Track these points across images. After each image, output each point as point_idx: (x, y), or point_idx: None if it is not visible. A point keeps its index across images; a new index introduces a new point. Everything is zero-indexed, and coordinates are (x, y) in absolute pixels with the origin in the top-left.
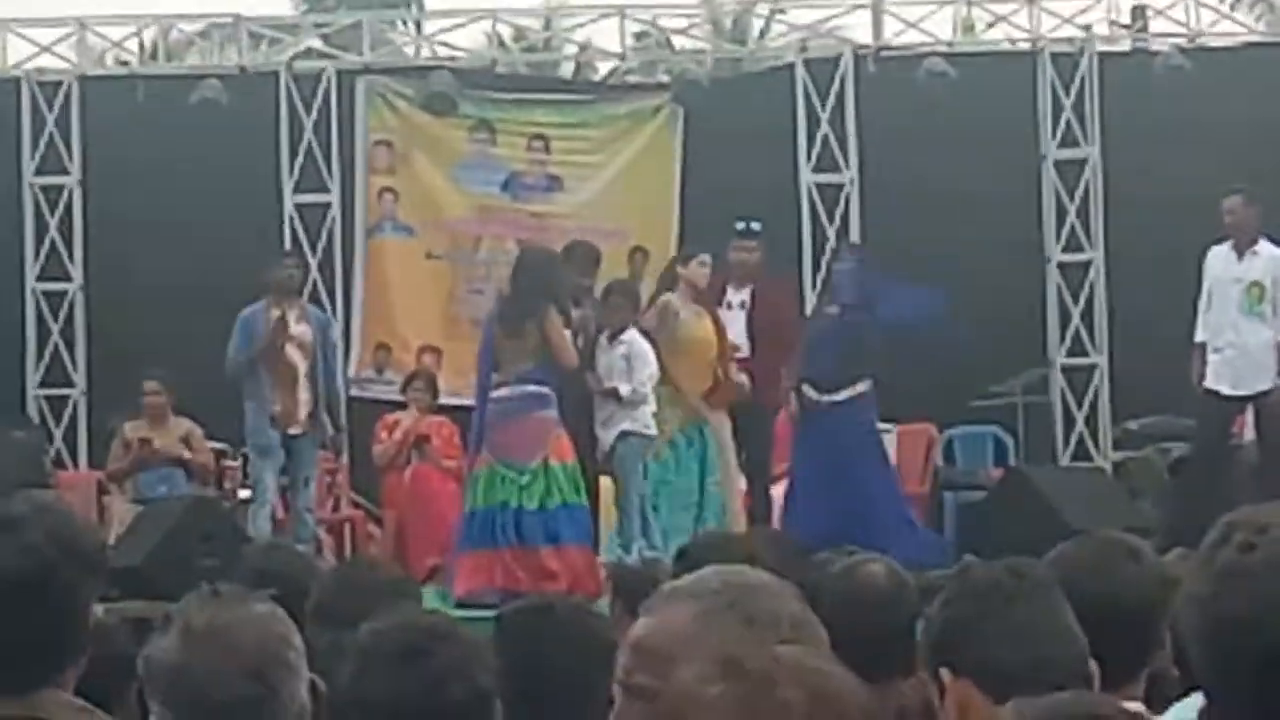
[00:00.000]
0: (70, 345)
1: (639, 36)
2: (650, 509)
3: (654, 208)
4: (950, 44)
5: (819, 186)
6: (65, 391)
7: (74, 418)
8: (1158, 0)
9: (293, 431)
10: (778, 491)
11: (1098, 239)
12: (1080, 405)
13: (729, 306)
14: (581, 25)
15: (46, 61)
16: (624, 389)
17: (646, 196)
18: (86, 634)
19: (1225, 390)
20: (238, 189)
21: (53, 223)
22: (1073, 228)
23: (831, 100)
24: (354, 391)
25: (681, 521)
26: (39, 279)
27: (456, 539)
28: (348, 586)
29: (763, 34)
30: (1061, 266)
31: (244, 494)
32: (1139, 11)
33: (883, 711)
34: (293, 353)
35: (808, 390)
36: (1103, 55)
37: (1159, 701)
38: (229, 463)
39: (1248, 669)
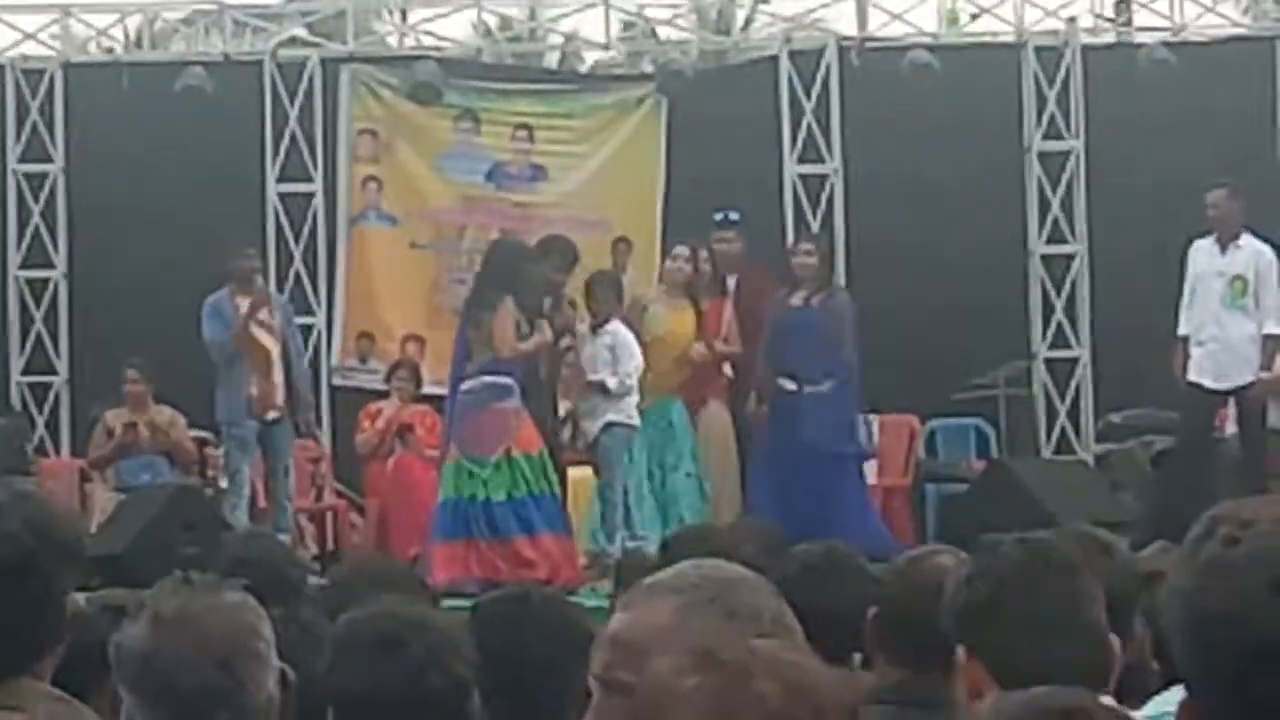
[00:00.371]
0: (53, 333)
1: (625, 27)
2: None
3: (638, 198)
4: (934, 36)
5: (803, 178)
6: (48, 379)
7: (56, 405)
8: None
9: (270, 417)
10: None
11: (1081, 232)
12: (1063, 397)
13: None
14: (567, 15)
15: (30, 49)
16: (611, 381)
17: (630, 187)
18: (64, 623)
19: (1208, 383)
20: (221, 177)
21: (36, 210)
22: (1056, 220)
23: (815, 92)
24: (337, 380)
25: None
26: (22, 267)
27: (431, 528)
28: (357, 578)
29: (747, 25)
30: (1044, 259)
31: (226, 482)
32: (1123, 4)
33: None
34: (265, 337)
35: (786, 383)
36: (1087, 48)
37: (1137, 694)
38: (211, 451)
39: (1231, 663)
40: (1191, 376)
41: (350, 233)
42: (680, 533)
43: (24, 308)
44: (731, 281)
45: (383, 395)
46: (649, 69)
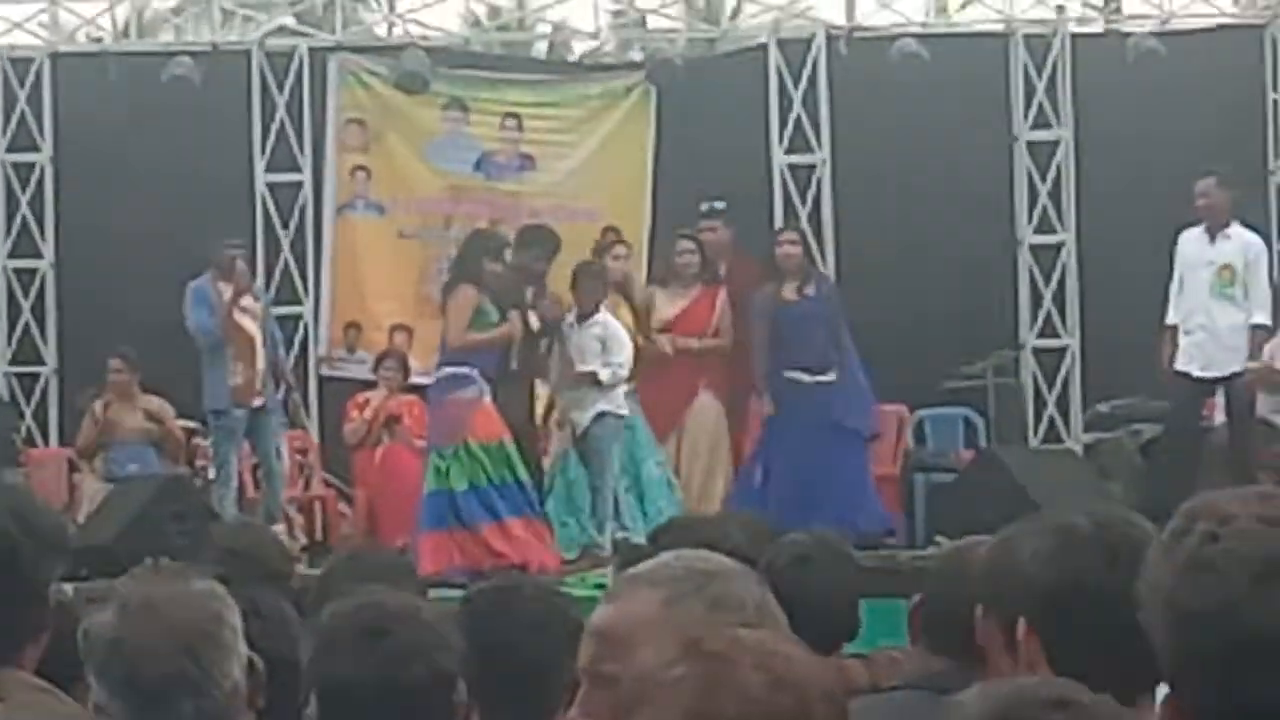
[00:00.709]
0: (41, 323)
1: (613, 16)
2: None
3: (626, 187)
4: (923, 25)
5: (791, 167)
6: (36, 369)
7: (44, 396)
8: None
9: (256, 404)
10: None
11: (1069, 221)
12: (1051, 387)
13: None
14: (555, 4)
15: (18, 38)
16: (604, 373)
17: (619, 176)
18: (47, 613)
19: (1196, 372)
20: (209, 167)
21: (24, 200)
22: (1044, 209)
23: (804, 81)
24: (325, 370)
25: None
26: (10, 256)
27: (416, 519)
28: (354, 569)
29: (736, 14)
30: (1033, 248)
31: (214, 472)
32: None
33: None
34: (248, 323)
35: (798, 375)
36: (1075, 37)
37: None
38: (200, 441)
39: (1215, 659)
40: (1179, 366)
41: (337, 222)
42: (668, 523)
43: (11, 298)
44: (722, 268)
45: (370, 385)
46: (637, 58)
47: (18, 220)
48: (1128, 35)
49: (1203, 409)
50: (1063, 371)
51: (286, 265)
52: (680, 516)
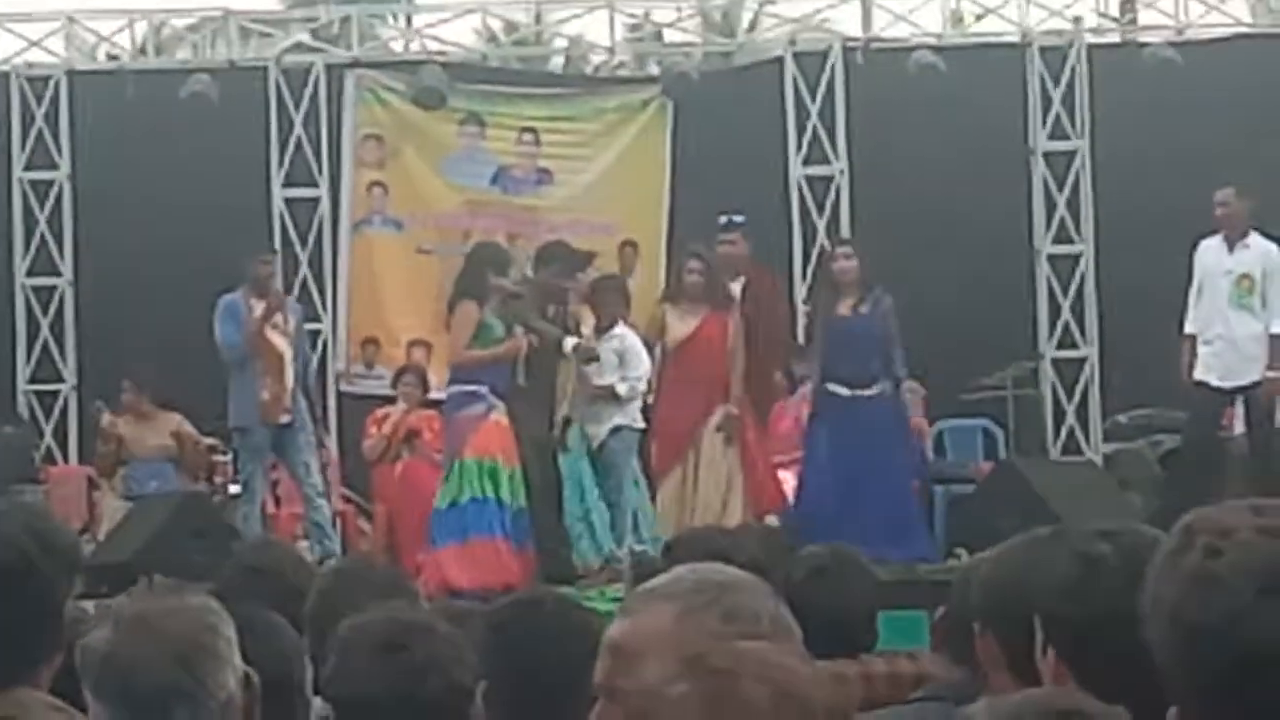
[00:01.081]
0: (60, 340)
1: (630, 29)
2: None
3: (644, 201)
4: (939, 36)
5: (808, 179)
6: (55, 387)
7: (64, 413)
8: None
9: (283, 420)
10: (787, 476)
11: (1087, 231)
12: (1070, 398)
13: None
14: (572, 19)
15: (35, 56)
16: (621, 388)
17: (636, 190)
18: (61, 631)
19: (1215, 382)
20: (227, 183)
21: (42, 218)
22: (1062, 220)
23: (821, 93)
24: (343, 386)
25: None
26: (28, 274)
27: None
28: (346, 585)
29: (752, 27)
30: (1051, 259)
31: (234, 489)
32: (1128, 4)
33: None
34: (279, 340)
35: (837, 389)
36: (1092, 47)
37: None
38: (219, 457)
39: (1221, 673)
40: (1198, 375)
41: (355, 238)
42: (682, 536)
43: (30, 315)
44: (738, 285)
45: (389, 401)
46: (654, 71)
47: (36, 238)
48: (1144, 45)
49: (1222, 419)
50: (1081, 382)
51: (304, 281)
52: (694, 529)
